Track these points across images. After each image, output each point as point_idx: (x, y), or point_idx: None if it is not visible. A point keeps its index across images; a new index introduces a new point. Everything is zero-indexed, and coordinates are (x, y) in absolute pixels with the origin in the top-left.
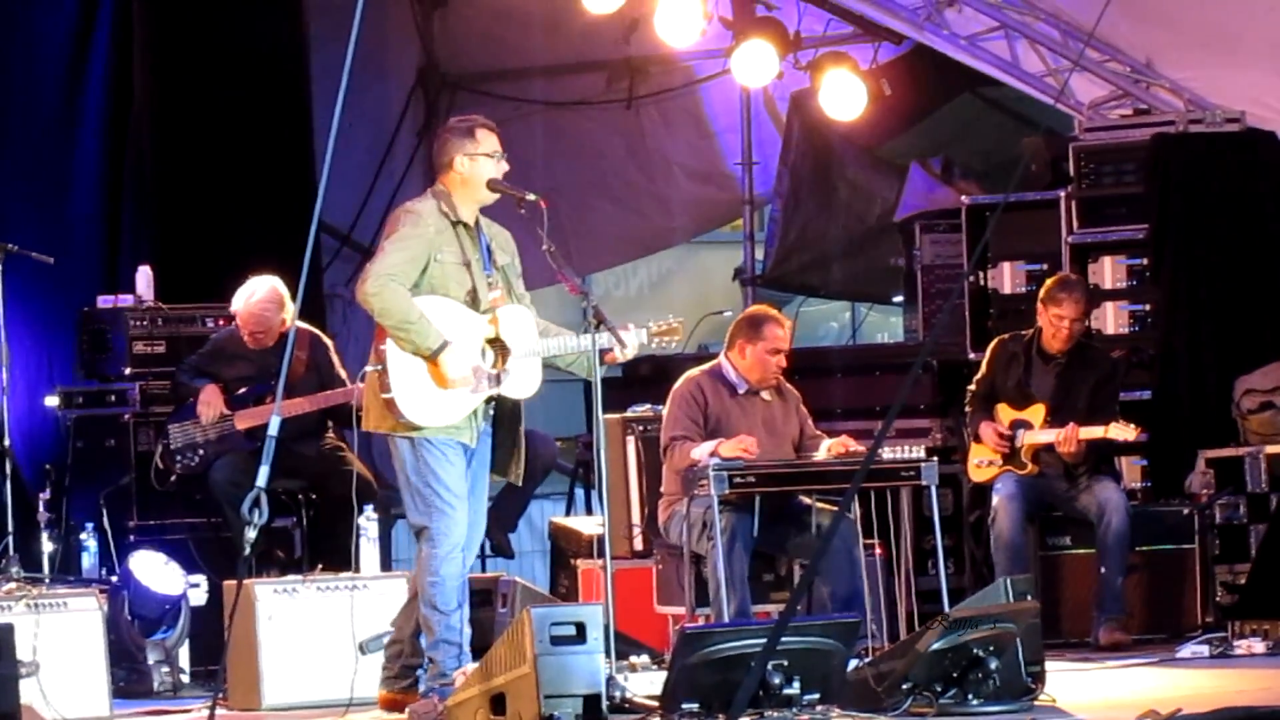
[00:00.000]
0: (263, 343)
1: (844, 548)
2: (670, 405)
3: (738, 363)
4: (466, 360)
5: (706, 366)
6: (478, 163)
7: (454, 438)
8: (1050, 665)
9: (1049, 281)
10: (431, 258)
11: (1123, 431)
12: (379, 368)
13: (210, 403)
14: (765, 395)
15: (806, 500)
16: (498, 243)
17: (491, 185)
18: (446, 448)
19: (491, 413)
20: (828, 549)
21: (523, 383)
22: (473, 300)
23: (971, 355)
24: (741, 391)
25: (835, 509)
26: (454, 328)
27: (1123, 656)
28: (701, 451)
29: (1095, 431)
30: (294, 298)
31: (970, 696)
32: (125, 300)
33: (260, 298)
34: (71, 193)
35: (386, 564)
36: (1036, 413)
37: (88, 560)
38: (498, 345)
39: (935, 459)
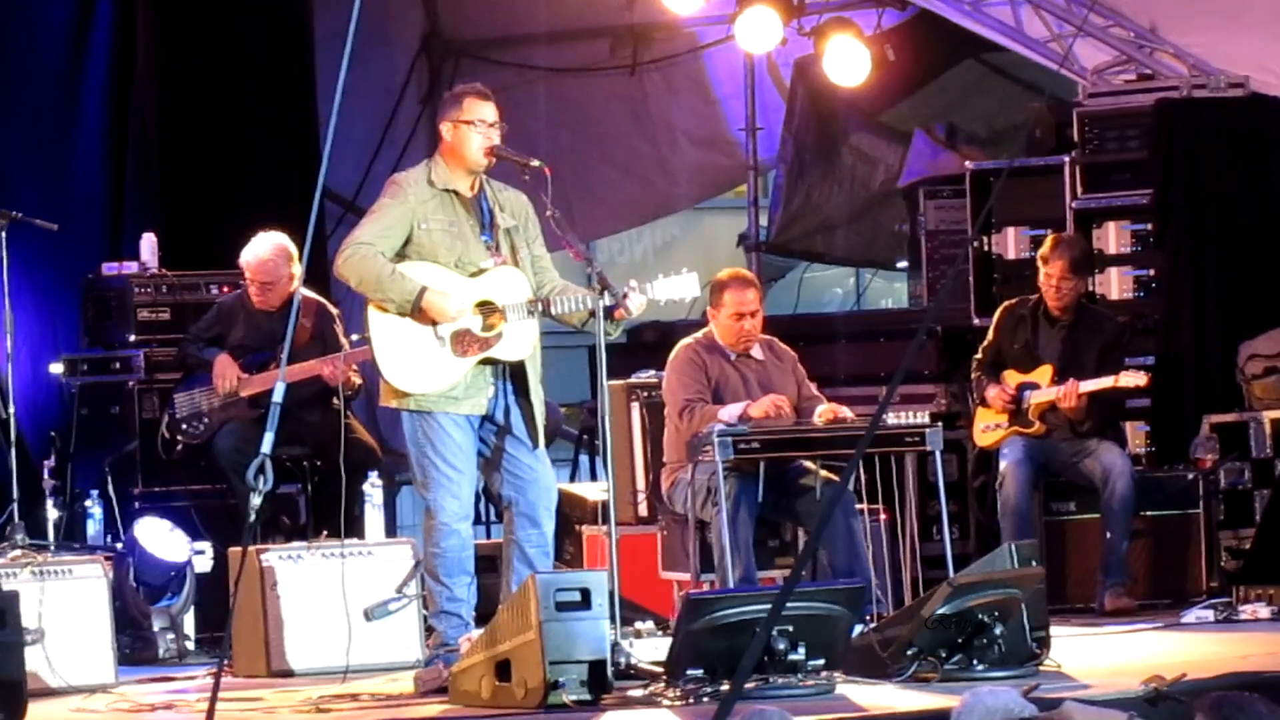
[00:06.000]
0: (270, 301)
1: (841, 519)
2: (671, 374)
3: (715, 328)
4: (454, 300)
5: (698, 335)
6: (460, 130)
7: (455, 410)
8: (1055, 631)
9: (1046, 241)
10: (415, 225)
11: (1133, 378)
12: (367, 335)
13: (226, 375)
14: (758, 355)
15: (809, 465)
16: (506, 208)
17: (494, 152)
18: (446, 420)
19: (502, 377)
20: (827, 520)
21: (517, 344)
22: (461, 265)
23: (976, 321)
24: (733, 357)
25: (836, 478)
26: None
27: (1128, 622)
28: (730, 413)
29: (1104, 382)
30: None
31: (975, 662)
32: (129, 267)
33: (269, 247)
34: (75, 159)
35: (391, 530)
36: (1044, 374)
37: (92, 527)
38: (487, 307)
39: (940, 424)
